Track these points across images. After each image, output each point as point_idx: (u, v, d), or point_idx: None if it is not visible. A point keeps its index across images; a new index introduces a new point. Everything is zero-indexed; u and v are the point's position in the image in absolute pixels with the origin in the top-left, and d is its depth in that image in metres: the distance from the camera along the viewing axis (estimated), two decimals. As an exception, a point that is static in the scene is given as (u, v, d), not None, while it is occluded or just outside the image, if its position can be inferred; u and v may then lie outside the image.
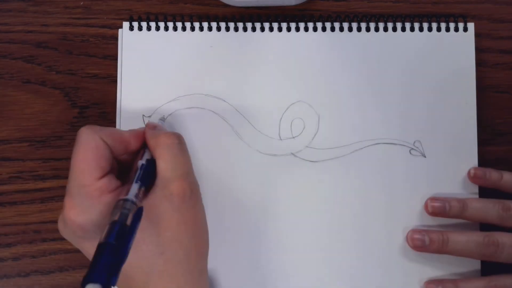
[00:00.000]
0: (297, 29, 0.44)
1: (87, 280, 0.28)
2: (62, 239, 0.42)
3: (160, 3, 0.45)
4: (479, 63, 0.44)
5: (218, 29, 0.44)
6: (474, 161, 0.43)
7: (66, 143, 0.44)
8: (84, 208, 0.34)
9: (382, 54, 0.43)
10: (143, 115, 0.43)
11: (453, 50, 0.43)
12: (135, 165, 0.36)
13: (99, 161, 0.35)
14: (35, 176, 0.44)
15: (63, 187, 0.43)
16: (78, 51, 0.45)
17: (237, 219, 0.42)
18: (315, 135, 0.43)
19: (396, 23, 0.44)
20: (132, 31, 0.44)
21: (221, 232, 0.42)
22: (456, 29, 0.44)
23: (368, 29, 0.44)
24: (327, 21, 0.44)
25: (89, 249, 0.35)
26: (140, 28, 0.44)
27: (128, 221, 0.32)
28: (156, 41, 0.44)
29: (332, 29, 0.44)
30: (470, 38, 0.43)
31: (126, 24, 0.44)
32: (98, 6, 0.45)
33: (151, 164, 0.36)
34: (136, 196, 0.34)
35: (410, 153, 0.43)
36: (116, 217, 0.31)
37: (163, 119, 0.43)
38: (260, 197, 0.42)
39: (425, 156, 0.43)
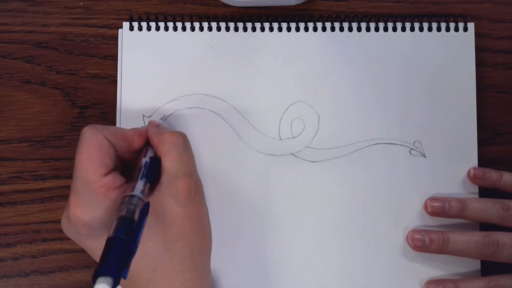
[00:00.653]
0: (297, 29, 0.44)
1: (98, 273, 0.28)
2: (62, 239, 0.43)
3: (160, 3, 0.45)
4: (479, 63, 0.44)
5: (218, 29, 0.44)
6: (474, 161, 0.43)
7: (66, 143, 0.44)
8: (89, 205, 0.34)
9: (382, 54, 0.43)
10: (143, 115, 0.43)
11: (453, 50, 0.43)
12: (139, 163, 0.37)
13: (104, 158, 0.35)
14: (35, 176, 0.44)
15: (63, 187, 0.43)
16: (78, 51, 0.45)
17: (237, 219, 0.42)
18: (315, 135, 0.43)
19: (396, 23, 0.44)
20: (132, 31, 0.44)
21: (221, 232, 0.42)
22: (456, 29, 0.44)
23: (368, 29, 0.44)
24: (327, 21, 0.44)
25: (94, 247, 0.36)
26: (140, 28, 0.44)
27: (136, 216, 0.32)
28: (156, 41, 0.44)
29: (332, 29, 0.44)
30: (470, 38, 0.43)
31: (126, 24, 0.44)
32: (98, 6, 0.45)
33: (155, 162, 0.37)
34: (142, 192, 0.34)
35: (410, 153, 0.43)
36: (123, 213, 0.32)
37: (164, 118, 0.43)
38: (260, 197, 0.42)
39: (425, 156, 0.43)
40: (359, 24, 0.44)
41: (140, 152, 0.38)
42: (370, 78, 0.43)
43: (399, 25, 0.44)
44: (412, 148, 0.43)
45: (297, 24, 0.44)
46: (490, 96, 0.44)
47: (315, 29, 0.44)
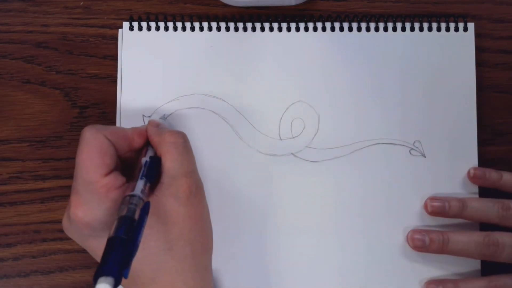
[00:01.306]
0: (297, 29, 0.44)
1: (99, 273, 0.28)
2: (62, 239, 0.43)
3: (160, 3, 0.45)
4: (479, 63, 0.44)
5: (218, 29, 0.44)
6: (474, 161, 0.43)
7: (66, 143, 0.44)
8: (91, 205, 0.34)
9: (382, 54, 0.43)
10: (143, 115, 0.43)
11: (453, 50, 0.43)
12: (139, 162, 0.37)
13: (104, 158, 0.35)
14: (35, 176, 0.44)
15: (63, 187, 0.43)
16: (78, 51, 0.45)
17: (237, 219, 0.42)
18: (315, 135, 0.43)
19: (396, 23, 0.44)
20: (132, 31, 0.44)
21: (221, 231, 0.42)
22: (456, 29, 0.44)
23: (368, 29, 0.44)
24: (327, 21, 0.44)
25: (95, 247, 0.36)
26: (140, 28, 0.44)
27: (136, 216, 0.32)
28: (156, 41, 0.44)
29: (332, 29, 0.44)
30: (470, 38, 0.43)
31: (126, 24, 0.44)
32: (98, 6, 0.45)
33: (155, 161, 0.37)
34: (142, 191, 0.34)
35: (410, 153, 0.43)
36: (124, 212, 0.32)
37: (164, 117, 0.43)
38: (260, 197, 0.42)
39: (425, 156, 0.43)
40: (359, 24, 0.44)
41: (141, 151, 0.38)
42: (370, 78, 0.43)
43: (399, 25, 0.44)
44: (412, 148, 0.43)
45: (297, 24, 0.44)
46: (490, 96, 0.44)
47: (315, 29, 0.44)
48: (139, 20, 0.44)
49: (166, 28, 0.44)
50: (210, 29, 0.44)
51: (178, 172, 0.36)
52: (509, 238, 0.39)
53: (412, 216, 0.42)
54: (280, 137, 0.43)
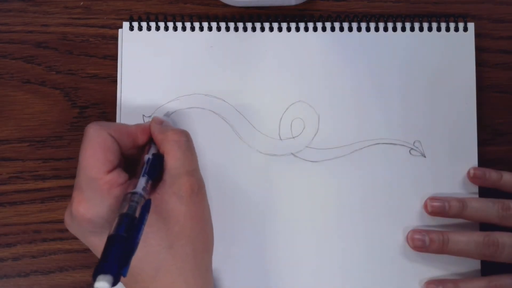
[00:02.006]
0: (297, 29, 0.44)
1: (98, 271, 0.28)
2: (62, 239, 0.43)
3: (160, 3, 0.45)
4: (479, 63, 0.44)
5: (218, 29, 0.44)
6: (474, 161, 0.43)
7: (66, 143, 0.44)
8: (93, 202, 0.34)
9: (382, 54, 0.43)
10: (143, 115, 0.43)
11: (453, 50, 0.43)
12: (142, 159, 0.37)
13: (107, 155, 0.35)
14: (35, 176, 0.44)
15: (63, 187, 0.43)
16: (78, 51, 0.45)
17: (237, 219, 0.42)
18: (315, 135, 0.43)
19: (396, 23, 0.44)
20: (132, 31, 0.44)
21: (222, 231, 0.42)
22: (456, 29, 0.44)
23: (368, 29, 0.44)
24: (327, 21, 0.44)
25: (96, 243, 0.36)
26: (140, 28, 0.44)
27: (137, 213, 0.32)
28: (156, 41, 0.44)
29: (332, 29, 0.44)
30: (470, 38, 0.43)
31: (126, 24, 0.44)
32: (98, 6, 0.45)
33: (158, 158, 0.37)
34: (144, 189, 0.34)
35: (410, 153, 0.43)
36: (124, 210, 0.32)
37: (168, 114, 0.43)
38: (260, 197, 0.42)
39: (425, 156, 0.43)
40: (359, 24, 0.44)
41: (143, 148, 0.38)
42: (370, 78, 0.43)
43: (399, 25, 0.44)
44: (412, 148, 0.43)
45: (297, 24, 0.44)
46: (490, 96, 0.44)
47: (315, 29, 0.44)
48: (139, 20, 0.44)
49: (166, 28, 0.44)
50: (210, 29, 0.44)
51: (181, 170, 0.36)
52: (509, 238, 0.39)
53: (412, 216, 0.42)
54: (280, 137, 0.43)
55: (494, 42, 0.44)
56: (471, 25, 0.44)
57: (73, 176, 0.37)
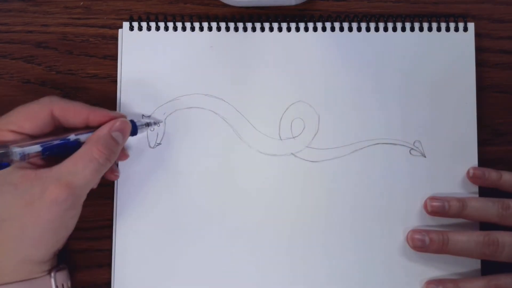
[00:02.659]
0: (297, 29, 0.44)
1: None
2: (62, 239, 0.42)
3: (160, 3, 0.45)
4: (479, 63, 0.44)
5: (218, 29, 0.44)
6: (474, 161, 0.43)
7: (66, 143, 0.44)
8: None
9: (382, 54, 0.43)
10: (143, 115, 0.43)
11: (453, 50, 0.43)
12: (70, 131, 0.38)
13: (24, 121, 0.38)
14: (35, 176, 0.44)
15: (63, 187, 0.43)
16: (78, 51, 0.45)
17: (237, 219, 0.42)
18: (315, 135, 0.43)
19: (396, 23, 0.44)
20: (132, 31, 0.44)
21: (221, 231, 0.42)
22: (456, 29, 0.44)
23: (368, 29, 0.44)
24: (327, 21, 0.44)
25: None
26: (140, 28, 0.44)
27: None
28: (156, 41, 0.44)
29: (332, 29, 0.44)
30: (470, 38, 0.43)
31: (126, 24, 0.44)
32: (98, 6, 0.45)
33: (72, 144, 0.38)
34: (23, 156, 0.35)
35: (410, 153, 0.43)
36: None
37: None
38: (260, 197, 0.42)
39: (425, 156, 0.43)
40: (359, 24, 0.44)
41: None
42: (370, 78, 0.43)
43: (399, 25, 0.44)
44: (412, 148, 0.43)
45: (297, 24, 0.44)
46: (490, 96, 0.44)
47: (315, 29, 0.44)
48: (139, 20, 0.44)
49: (166, 28, 0.44)
50: (210, 29, 0.44)
51: (67, 178, 0.36)
52: (509, 238, 0.39)
53: (412, 216, 0.42)
54: (280, 137, 0.43)
55: (494, 42, 0.44)
56: (471, 25, 0.44)
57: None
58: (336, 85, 0.43)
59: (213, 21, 0.44)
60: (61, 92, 0.44)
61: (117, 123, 0.39)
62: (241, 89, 0.43)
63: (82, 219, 0.39)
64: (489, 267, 0.41)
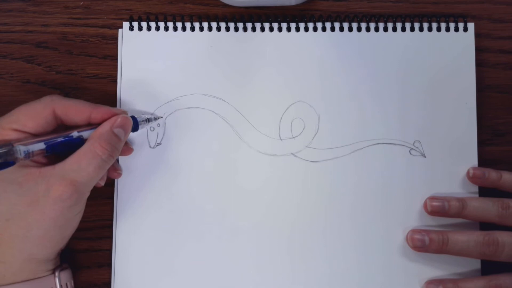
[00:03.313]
0: (297, 29, 0.44)
1: None
2: (62, 239, 0.42)
3: (160, 3, 0.45)
4: (479, 63, 0.44)
5: (218, 29, 0.44)
6: (474, 161, 0.43)
7: (66, 143, 0.44)
8: None
9: (382, 54, 0.43)
10: (143, 115, 0.43)
11: (453, 50, 0.43)
12: (73, 129, 0.38)
13: (28, 120, 0.38)
14: (35, 176, 0.44)
15: (63, 187, 0.43)
16: (78, 51, 0.45)
17: (237, 218, 0.42)
18: (315, 135, 0.43)
19: (396, 23, 0.44)
20: (132, 31, 0.44)
21: (221, 231, 0.42)
22: (456, 29, 0.44)
23: (368, 29, 0.44)
24: (327, 21, 0.44)
25: None
26: (140, 28, 0.44)
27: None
28: (156, 41, 0.44)
29: (332, 29, 0.44)
30: (470, 38, 0.44)
31: (126, 24, 0.44)
32: (98, 6, 0.45)
33: (75, 142, 0.38)
34: (27, 154, 0.35)
35: (410, 153, 0.43)
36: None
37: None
38: (260, 197, 0.42)
39: (425, 156, 0.43)
40: (359, 24, 0.44)
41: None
42: (370, 78, 0.43)
43: (399, 25, 0.44)
44: (412, 148, 0.43)
45: (297, 24, 0.44)
46: (490, 96, 0.44)
47: (315, 29, 0.44)
48: (139, 20, 0.44)
49: (166, 28, 0.44)
50: (210, 29, 0.44)
51: (70, 175, 0.36)
52: (509, 237, 0.39)
53: (412, 216, 0.42)
54: (280, 137, 0.43)
55: (494, 42, 0.44)
56: (471, 25, 0.44)
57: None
58: (336, 85, 0.43)
59: (213, 21, 0.44)
60: (61, 92, 0.44)
61: (119, 119, 0.39)
62: (241, 89, 0.43)
63: (82, 219, 0.39)
64: (489, 267, 0.41)
